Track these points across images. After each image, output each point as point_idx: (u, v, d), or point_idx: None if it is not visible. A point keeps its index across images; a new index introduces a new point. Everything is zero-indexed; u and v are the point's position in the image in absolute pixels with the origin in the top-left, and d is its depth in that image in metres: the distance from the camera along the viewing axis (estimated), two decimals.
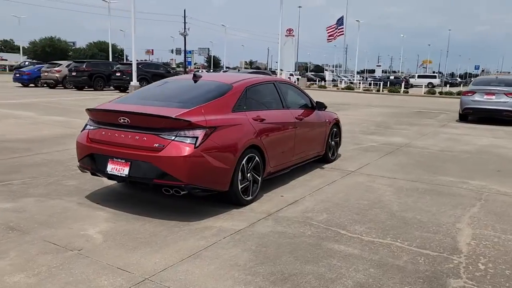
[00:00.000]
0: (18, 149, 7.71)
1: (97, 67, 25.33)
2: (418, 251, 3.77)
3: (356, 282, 3.18)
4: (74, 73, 24.69)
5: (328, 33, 53.88)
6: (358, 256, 3.63)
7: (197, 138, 4.22)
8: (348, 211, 4.78)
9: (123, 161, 4.36)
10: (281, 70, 58.27)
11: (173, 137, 4.21)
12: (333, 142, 7.30)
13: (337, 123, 7.41)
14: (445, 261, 3.59)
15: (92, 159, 4.63)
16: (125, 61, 36.11)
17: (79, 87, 25.34)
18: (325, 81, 49.25)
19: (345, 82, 48.30)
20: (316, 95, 11.10)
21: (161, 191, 4.41)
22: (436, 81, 53.28)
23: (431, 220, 4.59)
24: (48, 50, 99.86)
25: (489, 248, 3.89)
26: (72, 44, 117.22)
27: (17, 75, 28.66)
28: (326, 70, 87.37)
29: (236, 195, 4.70)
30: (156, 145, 4.23)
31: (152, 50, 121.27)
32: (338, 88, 39.22)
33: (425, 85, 41.32)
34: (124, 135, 4.40)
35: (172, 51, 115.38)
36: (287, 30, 72.90)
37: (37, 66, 29.69)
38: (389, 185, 5.95)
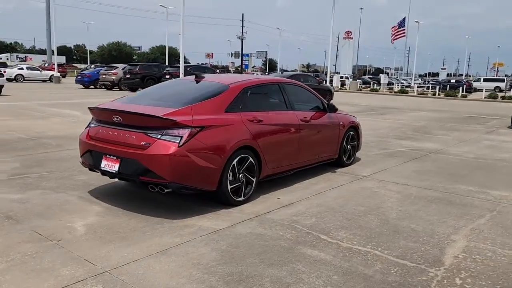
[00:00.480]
0: (50, 145, 8.22)
1: (149, 69, 26.39)
2: (395, 261, 3.58)
3: None
4: (128, 76, 25.89)
5: (392, 33, 52.40)
6: (327, 262, 3.52)
7: (181, 137, 4.29)
8: (339, 216, 4.64)
9: (115, 157, 4.53)
10: (336, 73, 57.44)
11: (159, 136, 4.31)
12: (349, 146, 7.10)
13: (354, 127, 7.19)
14: (420, 273, 3.39)
15: (90, 155, 4.85)
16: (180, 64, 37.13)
17: (133, 89, 26.49)
18: (380, 84, 47.83)
19: (401, 85, 46.65)
20: (361, 98, 10.84)
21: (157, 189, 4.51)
22: (504, 85, 49.71)
23: (425, 229, 4.34)
24: (114, 54, 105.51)
25: (477, 262, 3.62)
26: (138, 48, 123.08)
27: (79, 77, 30.51)
28: (382, 73, 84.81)
29: (225, 195, 4.71)
30: (143, 143, 4.35)
31: (212, 53, 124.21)
32: (391, 92, 37.96)
33: (486, 89, 38.78)
34: (116, 133, 4.57)
35: (231, 55, 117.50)
36: (346, 32, 71.64)
37: (97, 68, 31.40)
38: (398, 191, 5.70)
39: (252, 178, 5.04)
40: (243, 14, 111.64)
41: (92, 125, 5.00)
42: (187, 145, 4.29)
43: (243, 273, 3.29)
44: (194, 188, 4.48)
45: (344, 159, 7.00)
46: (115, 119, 4.59)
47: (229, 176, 4.74)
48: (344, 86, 43.52)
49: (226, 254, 3.62)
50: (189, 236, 3.98)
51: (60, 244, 3.72)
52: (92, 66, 44.10)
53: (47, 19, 45.34)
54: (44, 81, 37.39)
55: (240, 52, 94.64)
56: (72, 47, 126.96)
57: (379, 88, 42.03)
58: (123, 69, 27.29)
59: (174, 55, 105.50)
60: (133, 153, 4.36)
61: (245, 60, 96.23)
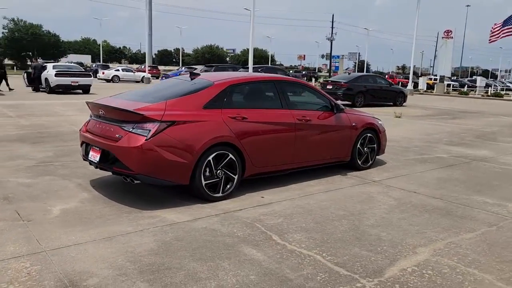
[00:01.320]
0: None
1: (223, 71, 27.22)
2: (330, 268, 3.39)
3: (219, 286, 3.05)
4: None
5: (491, 32, 48.14)
6: (257, 262, 3.44)
7: (149, 131, 4.45)
8: (309, 219, 4.47)
9: (98, 149, 4.85)
10: (433, 75, 53.80)
11: (130, 129, 4.53)
12: (366, 149, 6.74)
13: (372, 129, 6.81)
14: (347, 282, 3.17)
15: (84, 147, 5.23)
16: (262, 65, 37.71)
17: None
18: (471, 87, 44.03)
19: (501, 88, 42.54)
20: (442, 102, 10.25)
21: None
22: None
23: (393, 239, 4.02)
24: (208, 57, 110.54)
25: (423, 277, 3.28)
26: (232, 51, 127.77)
27: (163, 78, 32.52)
28: (489, 75, 77.87)
29: (199, 190, 4.79)
30: (117, 135, 4.59)
31: (304, 55, 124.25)
32: (483, 95, 34.82)
33: None
34: (100, 126, 4.89)
35: (322, 56, 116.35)
36: (445, 32, 67.08)
37: (179, 70, 33.21)
38: (398, 198, 5.30)
39: (233, 175, 5.04)
40: (333, 15, 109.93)
41: (89, 119, 5.38)
42: (155, 139, 4.44)
43: (165, 264, 3.35)
44: (164, 181, 4.62)
45: (359, 162, 6.66)
46: (100, 112, 4.90)
47: (206, 171, 4.80)
48: (431, 89, 40.82)
49: (164, 245, 3.70)
50: (145, 226, 4.12)
51: (28, 224, 4.09)
52: (183, 68, 46.74)
53: (148, 25, 48.75)
54: (137, 81, 40.37)
55: (329, 54, 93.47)
56: (172, 51, 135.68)
57: (470, 91, 38.70)
58: (201, 70, 28.49)
59: (265, 57, 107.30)
60: (109, 145, 4.63)
61: (335, 62, 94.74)
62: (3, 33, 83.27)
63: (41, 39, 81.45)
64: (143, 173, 4.49)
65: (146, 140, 4.42)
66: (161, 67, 68.73)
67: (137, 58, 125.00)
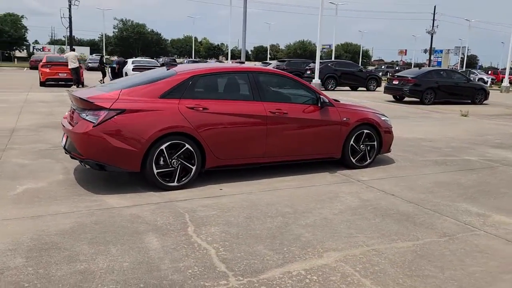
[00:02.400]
0: None
1: (295, 65, 27.04)
2: (212, 263, 3.28)
3: (86, 268, 3.12)
4: None
5: None
6: (145, 250, 3.45)
7: (98, 118, 4.65)
8: (244, 214, 4.34)
9: (66, 135, 5.19)
10: None
11: (84, 116, 4.78)
12: (362, 146, 6.29)
13: (370, 124, 6.32)
14: (214, 278, 3.04)
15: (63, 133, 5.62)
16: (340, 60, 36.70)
17: None
18: None
19: None
20: None
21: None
22: None
23: (312, 240, 3.75)
24: (299, 52, 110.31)
25: (299, 283, 3.03)
26: (328, 46, 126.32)
27: None
28: None
29: (151, 178, 4.89)
30: (75, 122, 4.88)
31: (405, 50, 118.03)
32: None
33: None
34: (71, 114, 5.22)
35: (425, 51, 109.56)
36: None
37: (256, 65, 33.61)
38: (365, 200, 4.90)
39: (191, 166, 5.06)
40: (435, 7, 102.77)
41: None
42: (102, 125, 4.63)
43: (58, 244, 3.49)
44: (114, 167, 4.79)
45: (353, 160, 6.24)
46: (71, 102, 5.23)
47: (160, 160, 4.88)
48: None
49: (78, 227, 3.85)
50: (81, 208, 4.33)
51: None
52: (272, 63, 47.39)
53: (243, 22, 50.13)
54: None
55: (430, 48, 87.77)
56: (268, 47, 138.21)
57: None
58: (273, 66, 28.61)
59: (359, 52, 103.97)
60: (68, 130, 4.94)
61: (437, 57, 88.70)
62: (113, 32, 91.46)
63: (145, 38, 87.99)
64: (91, 158, 4.70)
65: (93, 126, 4.63)
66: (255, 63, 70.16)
67: (234, 54, 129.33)
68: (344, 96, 20.41)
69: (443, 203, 4.88)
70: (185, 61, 50.41)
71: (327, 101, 5.93)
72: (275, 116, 5.52)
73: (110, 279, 2.97)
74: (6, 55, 76.77)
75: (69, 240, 3.58)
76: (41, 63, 20.81)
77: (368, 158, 6.40)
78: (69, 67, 20.30)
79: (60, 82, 20.77)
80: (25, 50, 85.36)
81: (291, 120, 5.66)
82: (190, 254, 3.40)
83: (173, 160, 4.96)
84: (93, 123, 4.65)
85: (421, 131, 10.29)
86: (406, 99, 18.40)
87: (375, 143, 6.41)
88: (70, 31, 63.30)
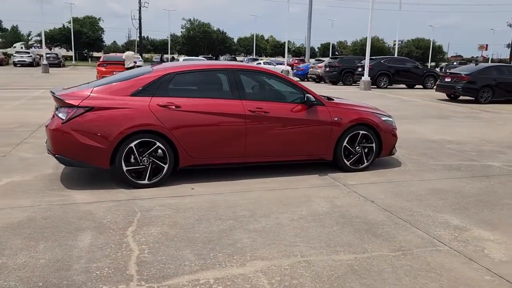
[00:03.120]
0: None
1: (348, 62, 26.17)
2: (127, 265, 3.21)
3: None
4: (327, 69, 26.43)
5: None
6: (69, 248, 3.45)
7: (67, 115, 4.76)
8: (196, 216, 4.22)
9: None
10: None
11: (57, 113, 4.91)
12: (358, 148, 5.89)
13: (367, 124, 5.89)
14: (118, 282, 2.97)
15: None
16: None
17: (333, 82, 26.90)
18: None
19: None
20: None
21: None
22: None
23: (247, 247, 3.55)
24: (365, 49, 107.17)
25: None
26: (400, 42, 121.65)
27: (295, 70, 32.91)
28: None
29: (122, 176, 4.93)
30: (51, 119, 5.03)
31: (486, 45, 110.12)
32: None
33: None
34: (54, 112, 5.39)
35: (508, 46, 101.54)
36: None
37: (309, 63, 33.09)
38: (336, 206, 4.57)
39: (163, 165, 5.03)
40: None
41: None
42: (70, 123, 4.73)
43: None
44: (82, 163, 4.88)
45: (346, 162, 5.86)
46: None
47: (130, 158, 4.90)
48: None
49: (23, 221, 3.92)
50: (44, 203, 4.45)
51: None
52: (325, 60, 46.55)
53: (308, 19, 49.62)
54: None
55: (511, 42, 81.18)
56: (335, 44, 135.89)
57: None
58: (325, 63, 27.93)
59: (431, 47, 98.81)
60: (45, 128, 5.10)
61: None
62: (181, 32, 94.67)
63: (210, 37, 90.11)
64: (61, 154, 4.83)
65: (62, 123, 4.74)
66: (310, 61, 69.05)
67: (300, 52, 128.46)
68: (394, 94, 19.44)
69: (424, 213, 4.42)
70: (245, 59, 50.84)
71: (314, 99, 5.61)
72: (255, 115, 5.32)
73: (16, 275, 3.00)
74: (85, 55, 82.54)
75: (8, 234, 3.68)
76: (98, 62, 21.99)
77: (365, 161, 5.98)
78: (125, 66, 21.26)
79: None
80: (102, 51, 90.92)
81: (273, 120, 5.42)
82: (111, 255, 3.35)
83: (144, 158, 4.95)
84: (62, 119, 4.76)
85: (454, 132, 9.47)
86: (461, 97, 17.10)
87: (373, 145, 5.97)
88: (140, 32, 66.51)
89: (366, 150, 5.97)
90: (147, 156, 4.96)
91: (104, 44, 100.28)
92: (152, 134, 4.94)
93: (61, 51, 69.73)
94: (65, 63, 51.85)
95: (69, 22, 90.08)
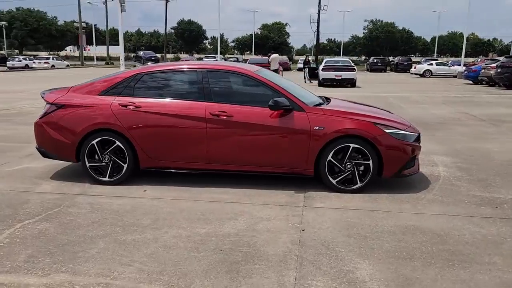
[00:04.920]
0: None
1: None
2: None
3: None
4: (499, 70, 22.35)
5: None
6: None
7: (43, 111, 5.27)
8: (99, 216, 4.16)
9: None
10: None
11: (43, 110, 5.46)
12: (348, 164, 4.89)
13: (361, 137, 4.82)
14: None
15: None
16: None
17: (507, 86, 22.65)
18: None
19: None
20: None
21: None
22: None
23: (79, 242, 3.36)
24: None
25: None
26: None
27: (465, 72, 28.85)
28: None
29: (85, 170, 5.20)
30: None
31: None
32: None
33: None
34: None
35: None
36: None
37: (484, 63, 28.40)
38: (253, 230, 3.91)
39: (122, 164, 5.12)
40: None
41: None
42: (44, 118, 5.21)
43: None
44: (53, 155, 5.30)
45: (332, 180, 4.92)
46: None
47: (94, 154, 5.13)
48: None
49: None
50: (7, 187, 5.02)
51: None
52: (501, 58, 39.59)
53: None
54: (454, 76, 37.10)
55: None
56: None
57: None
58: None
59: None
60: None
61: None
62: (363, 33, 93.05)
63: (393, 36, 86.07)
64: (40, 146, 5.34)
65: (39, 118, 5.26)
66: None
67: (508, 51, 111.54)
68: None
69: (344, 257, 3.41)
70: (422, 60, 46.82)
71: (287, 104, 4.85)
72: (217, 119, 4.92)
73: None
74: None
75: None
76: None
77: (358, 181, 4.91)
78: (271, 68, 22.10)
79: None
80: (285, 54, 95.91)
81: (238, 125, 4.92)
82: None
83: (106, 156, 5.11)
84: (41, 115, 5.28)
85: None
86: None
87: (370, 162, 4.86)
88: (317, 35, 67.87)
89: (361, 168, 4.90)
90: (108, 154, 5.09)
91: (292, 47, 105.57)
92: (112, 133, 5.05)
93: (243, 56, 76.41)
94: None
95: (260, 29, 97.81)
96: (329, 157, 4.87)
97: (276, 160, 4.97)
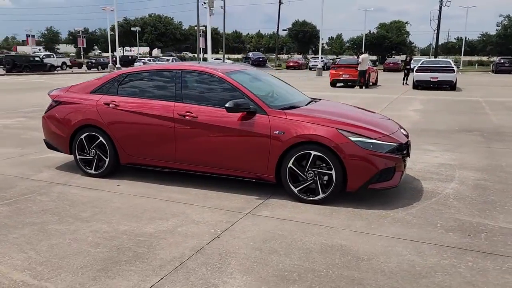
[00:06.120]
0: None
1: None
2: None
3: None
4: None
5: None
6: None
7: (47, 107, 5.85)
8: (58, 206, 4.49)
9: None
10: None
11: None
12: (310, 173, 4.54)
13: (321, 144, 4.44)
14: None
15: None
16: None
17: None
18: None
19: None
20: None
21: None
22: None
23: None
24: None
25: None
26: None
27: None
28: None
29: (77, 163, 5.65)
30: None
31: None
32: None
33: None
34: None
35: None
36: None
37: None
38: (176, 232, 3.91)
39: (104, 158, 5.46)
40: None
41: None
42: (47, 113, 5.78)
43: None
44: (54, 148, 5.83)
45: (293, 189, 4.61)
46: None
47: (84, 149, 5.56)
48: None
49: None
50: (8, 172, 5.69)
51: None
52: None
53: None
54: None
55: None
56: None
57: None
58: None
59: None
60: None
61: None
62: (496, 30, 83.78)
63: None
64: (45, 139, 5.93)
65: (44, 113, 5.85)
66: None
67: None
68: None
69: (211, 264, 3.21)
70: None
71: (249, 107, 4.67)
72: (184, 120, 4.96)
73: None
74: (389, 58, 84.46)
75: None
76: (332, 65, 22.74)
77: (320, 192, 4.53)
78: (359, 69, 21.27)
79: (348, 84, 22.06)
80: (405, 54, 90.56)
81: (201, 126, 4.89)
82: None
83: (92, 150, 5.49)
84: (45, 110, 5.87)
85: None
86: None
87: (333, 172, 4.44)
88: (437, 33, 63.14)
89: (325, 178, 4.52)
90: (94, 148, 5.46)
91: (415, 46, 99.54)
92: (97, 129, 5.40)
93: (354, 56, 73.84)
94: None
95: (377, 28, 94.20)
96: (290, 164, 4.57)
97: (238, 164, 4.83)
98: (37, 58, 39.03)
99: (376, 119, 5.14)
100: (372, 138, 4.46)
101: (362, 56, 21.74)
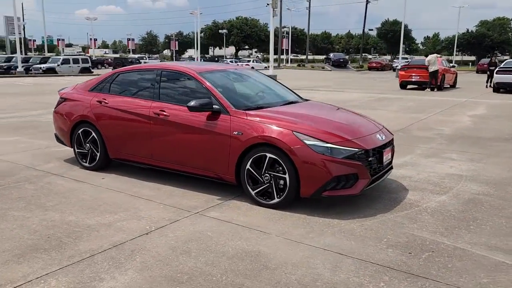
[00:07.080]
0: None
1: None
2: None
3: None
4: None
5: None
6: None
7: (57, 103, 6.35)
8: (38, 196, 4.89)
9: None
10: None
11: None
12: (266, 176, 4.41)
13: (275, 146, 4.28)
14: None
15: None
16: None
17: None
18: None
19: None
20: None
21: None
22: None
23: None
24: None
25: None
26: None
27: None
28: None
29: (75, 156, 6.07)
30: None
31: None
32: None
33: None
34: None
35: None
36: None
37: None
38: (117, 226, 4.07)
39: (96, 152, 5.80)
40: None
41: None
42: (56, 109, 6.26)
43: None
44: (61, 141, 6.31)
45: (251, 191, 4.49)
46: None
47: (82, 143, 5.96)
48: None
49: None
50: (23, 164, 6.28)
51: None
52: None
53: None
54: None
55: None
56: None
57: None
58: None
59: None
60: None
61: None
62: None
63: None
64: (55, 133, 6.45)
65: (54, 109, 6.37)
66: None
67: None
68: None
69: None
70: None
71: (212, 106, 4.65)
72: (157, 118, 5.09)
73: None
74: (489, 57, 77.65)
75: None
76: (401, 66, 21.50)
77: (275, 196, 4.37)
78: (429, 70, 19.95)
79: (423, 86, 20.71)
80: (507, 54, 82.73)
81: (171, 124, 4.98)
82: None
83: (87, 145, 5.86)
84: (55, 106, 6.38)
85: None
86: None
87: (286, 176, 4.27)
88: None
89: (281, 182, 4.35)
90: (88, 143, 5.83)
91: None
92: (90, 124, 5.75)
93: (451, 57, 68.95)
94: None
95: (477, 26, 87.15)
96: (248, 166, 4.47)
97: (202, 163, 4.83)
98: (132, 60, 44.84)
99: (355, 124, 4.81)
100: (329, 142, 4.18)
101: (428, 57, 20.29)
